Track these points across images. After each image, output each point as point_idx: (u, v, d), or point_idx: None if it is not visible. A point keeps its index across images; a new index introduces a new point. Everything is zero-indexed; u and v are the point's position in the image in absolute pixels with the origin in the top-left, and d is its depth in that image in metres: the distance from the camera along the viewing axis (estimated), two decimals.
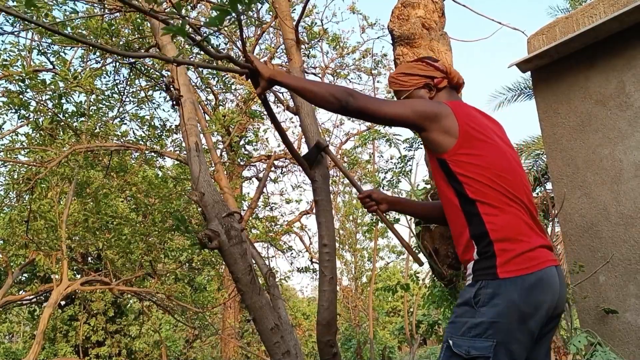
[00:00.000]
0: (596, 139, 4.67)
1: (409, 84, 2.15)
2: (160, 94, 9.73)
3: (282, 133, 2.80)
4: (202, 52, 7.78)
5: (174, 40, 3.89)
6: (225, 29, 8.98)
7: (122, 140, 7.00)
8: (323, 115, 36.74)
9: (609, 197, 4.53)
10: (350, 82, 12.72)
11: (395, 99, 2.25)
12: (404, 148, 5.14)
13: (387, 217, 2.57)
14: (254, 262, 3.75)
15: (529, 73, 5.26)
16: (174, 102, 3.34)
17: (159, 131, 7.47)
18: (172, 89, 3.32)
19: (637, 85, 4.45)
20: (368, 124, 11.90)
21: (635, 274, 4.30)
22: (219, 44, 8.98)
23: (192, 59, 8.48)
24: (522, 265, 1.79)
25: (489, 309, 1.76)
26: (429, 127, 1.92)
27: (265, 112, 10.87)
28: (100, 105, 6.62)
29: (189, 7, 5.65)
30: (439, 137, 1.91)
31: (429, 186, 4.57)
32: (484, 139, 1.91)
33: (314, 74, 11.39)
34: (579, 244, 4.67)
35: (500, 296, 1.76)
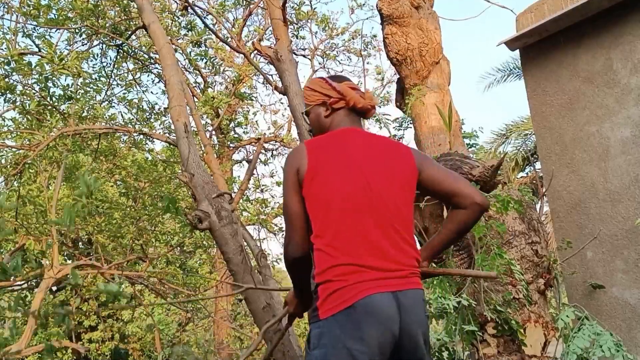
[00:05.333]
0: (584, 116, 4.69)
1: (310, 99, 2.13)
2: (148, 76, 9.65)
3: None
4: (189, 33, 7.71)
5: (161, 20, 3.85)
6: (214, 9, 8.90)
7: (110, 123, 6.95)
8: None
9: (596, 174, 4.57)
10: (340, 63, 12.67)
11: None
12: (394, 128, 5.15)
13: None
14: (245, 243, 3.76)
15: (518, 53, 5.27)
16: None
17: (147, 114, 7.41)
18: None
19: (625, 62, 4.47)
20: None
21: (622, 250, 4.35)
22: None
23: (179, 40, 8.41)
24: (339, 300, 1.75)
25: (319, 351, 1.74)
26: (302, 193, 1.91)
27: (254, 95, 10.82)
28: (88, 89, 6.55)
29: None
30: (306, 190, 1.90)
31: None
32: (326, 173, 1.88)
33: (303, 56, 11.33)
34: (567, 221, 4.72)
35: (325, 336, 1.74)
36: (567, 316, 3.20)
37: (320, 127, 2.12)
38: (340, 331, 1.72)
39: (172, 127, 4.26)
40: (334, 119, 2.08)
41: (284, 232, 1.93)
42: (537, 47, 5.03)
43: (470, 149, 5.13)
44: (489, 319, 3.27)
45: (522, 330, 3.29)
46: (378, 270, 1.79)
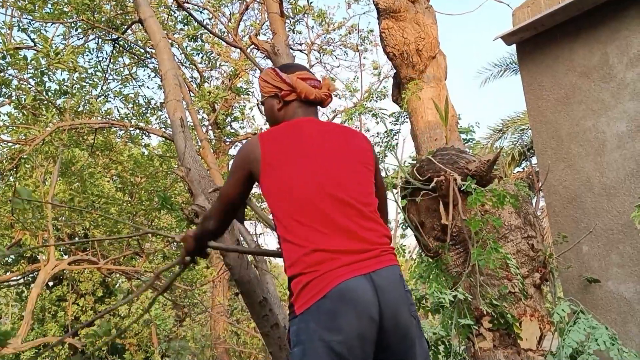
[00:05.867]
0: (580, 111, 4.70)
1: (264, 90, 2.12)
2: (144, 70, 9.61)
3: None
4: (185, 28, 7.69)
5: (157, 15, 3.84)
6: (209, 3, 8.87)
7: (106, 118, 6.93)
8: None
9: (592, 168, 4.58)
10: (337, 58, 12.66)
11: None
12: (390, 122, 5.15)
13: None
14: (242, 238, 3.76)
15: (514, 47, 5.27)
16: None
17: (143, 109, 7.40)
18: None
19: (621, 57, 4.48)
20: (355, 100, 11.89)
21: (618, 244, 4.37)
22: (204, 19, 8.87)
23: (175, 35, 8.39)
24: (311, 292, 1.70)
25: (298, 348, 1.70)
26: (261, 185, 1.93)
27: (250, 90, 10.80)
28: (84, 83, 6.53)
29: None
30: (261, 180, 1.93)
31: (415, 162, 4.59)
32: (282, 164, 1.88)
33: (300, 50, 11.31)
34: (563, 215, 4.73)
35: (303, 331, 1.69)
36: (562, 310, 3.22)
37: (274, 118, 2.10)
38: (315, 324, 1.66)
39: (169, 121, 4.26)
40: (287, 111, 2.06)
41: (210, 207, 2.06)
42: (534, 42, 5.04)
43: (466, 144, 5.13)
44: (485, 312, 3.28)
45: (517, 324, 3.30)
46: (348, 253, 1.74)
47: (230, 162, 13.07)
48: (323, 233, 1.77)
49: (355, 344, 1.65)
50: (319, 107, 2.14)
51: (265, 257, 4.37)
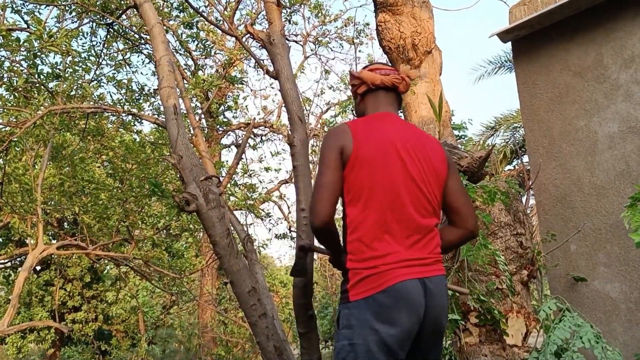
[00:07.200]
0: (573, 110, 4.72)
1: (352, 93, 2.27)
2: (138, 56, 9.55)
3: None
4: (181, 15, 7.63)
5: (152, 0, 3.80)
6: None
7: (99, 103, 6.88)
8: (304, 84, 36.49)
9: (583, 168, 4.61)
10: (332, 50, 12.63)
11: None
12: None
13: None
14: (232, 228, 3.75)
15: (509, 45, 5.27)
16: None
17: (136, 95, 7.34)
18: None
19: (615, 57, 4.49)
20: (349, 93, 11.86)
21: (605, 244, 4.41)
22: (199, 7, 8.81)
23: (171, 22, 8.33)
24: (370, 285, 1.84)
25: (347, 331, 1.84)
26: (344, 172, 1.97)
27: (244, 79, 10.75)
28: (77, 68, 6.47)
29: None
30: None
31: None
32: (370, 158, 1.95)
33: (295, 41, 11.27)
34: (552, 214, 4.76)
35: (354, 317, 1.83)
36: (549, 307, 3.25)
37: (359, 114, 2.24)
38: (370, 313, 1.80)
39: (161, 108, 4.23)
40: (367, 104, 2.20)
41: (310, 203, 1.96)
42: (529, 40, 5.05)
43: (459, 140, 5.16)
44: (472, 308, 3.31)
45: (504, 320, 3.33)
46: (410, 257, 1.88)
47: (222, 152, 13.04)
48: (395, 235, 1.90)
49: (404, 339, 1.82)
50: (398, 95, 2.24)
51: (254, 247, 4.37)
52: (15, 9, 5.82)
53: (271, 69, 3.43)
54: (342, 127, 2.03)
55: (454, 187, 2.09)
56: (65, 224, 12.30)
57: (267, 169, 12.29)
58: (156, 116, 6.93)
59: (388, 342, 1.77)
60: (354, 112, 2.41)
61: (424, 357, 1.94)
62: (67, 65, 6.31)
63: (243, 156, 11.11)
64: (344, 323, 1.86)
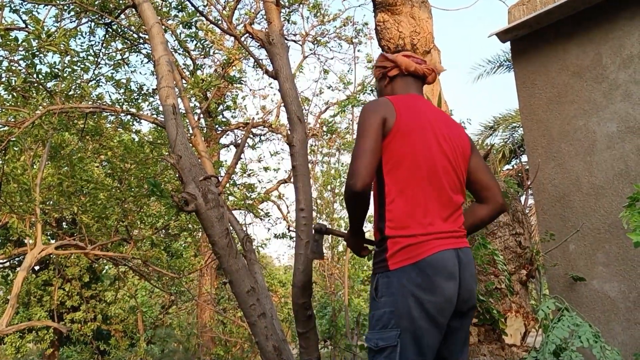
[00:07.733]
0: (571, 110, 4.72)
1: (375, 75, 2.31)
2: (137, 56, 9.53)
3: None
4: (179, 14, 7.62)
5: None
6: None
7: (98, 102, 6.87)
8: (303, 84, 36.47)
9: (581, 167, 4.61)
10: (331, 50, 12.63)
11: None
12: None
13: None
14: (231, 227, 3.75)
15: (508, 45, 5.28)
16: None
17: (135, 94, 7.33)
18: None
19: (614, 57, 4.50)
20: (348, 92, 11.86)
21: (604, 243, 4.41)
22: (198, 6, 8.79)
23: (169, 22, 8.32)
24: (410, 254, 1.88)
25: (387, 299, 1.87)
26: (383, 143, 2.00)
27: (243, 79, 10.73)
28: (75, 67, 6.45)
29: None
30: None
31: None
32: (410, 131, 2.00)
33: (294, 41, 11.27)
34: (551, 213, 4.77)
35: (394, 285, 1.86)
36: (547, 307, 3.24)
37: (382, 96, 2.24)
38: (410, 281, 1.85)
39: (160, 108, 4.22)
40: (394, 87, 2.24)
41: (349, 167, 1.96)
42: (528, 40, 5.05)
43: None
44: None
45: (502, 320, 3.33)
46: (446, 229, 1.95)
47: (221, 151, 13.03)
48: (430, 209, 1.95)
49: (445, 307, 1.86)
50: (424, 85, 2.28)
51: (253, 247, 4.37)
52: (14, 8, 5.80)
53: (270, 68, 3.43)
54: (383, 99, 2.08)
55: (479, 163, 2.18)
56: (63, 223, 12.28)
57: (266, 169, 12.28)
58: (155, 116, 6.93)
59: (429, 309, 1.82)
60: (374, 92, 2.43)
61: (457, 335, 1.98)
62: (65, 65, 6.30)
63: (242, 156, 11.10)
64: (383, 291, 1.89)
